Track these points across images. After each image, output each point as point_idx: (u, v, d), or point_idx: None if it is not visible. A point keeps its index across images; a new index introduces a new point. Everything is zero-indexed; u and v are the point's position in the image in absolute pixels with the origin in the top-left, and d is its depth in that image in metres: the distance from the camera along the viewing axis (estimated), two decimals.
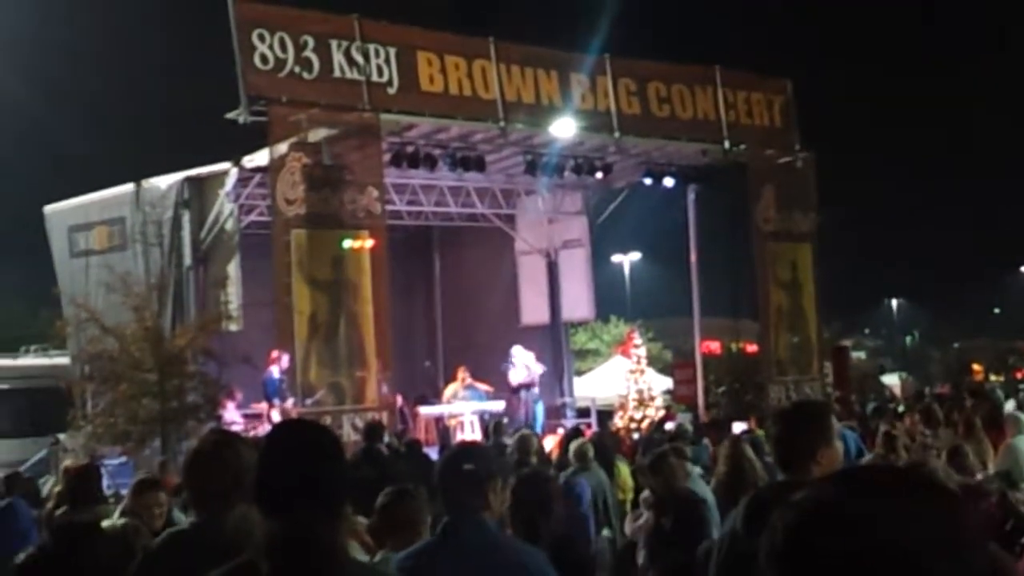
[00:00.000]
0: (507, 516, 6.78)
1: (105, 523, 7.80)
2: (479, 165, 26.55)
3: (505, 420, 25.62)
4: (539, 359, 30.16)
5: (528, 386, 29.47)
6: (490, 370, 29.57)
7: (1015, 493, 10.97)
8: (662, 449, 13.47)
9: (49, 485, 18.87)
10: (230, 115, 21.84)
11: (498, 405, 28.28)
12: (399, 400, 27.31)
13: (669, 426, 24.00)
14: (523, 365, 29.55)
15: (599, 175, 28.27)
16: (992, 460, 15.35)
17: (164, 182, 25.23)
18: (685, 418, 28.40)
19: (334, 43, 22.89)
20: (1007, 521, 9.42)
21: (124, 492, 17.14)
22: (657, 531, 10.45)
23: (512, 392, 29.18)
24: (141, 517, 8.91)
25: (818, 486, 1.81)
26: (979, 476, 11.76)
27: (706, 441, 19.41)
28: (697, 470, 13.38)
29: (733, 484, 12.09)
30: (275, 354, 23.33)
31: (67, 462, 14.79)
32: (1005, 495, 10.12)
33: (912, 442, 16.83)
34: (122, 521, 8.38)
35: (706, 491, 11.78)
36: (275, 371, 23.51)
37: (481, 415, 27.38)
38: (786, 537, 1.76)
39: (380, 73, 23.44)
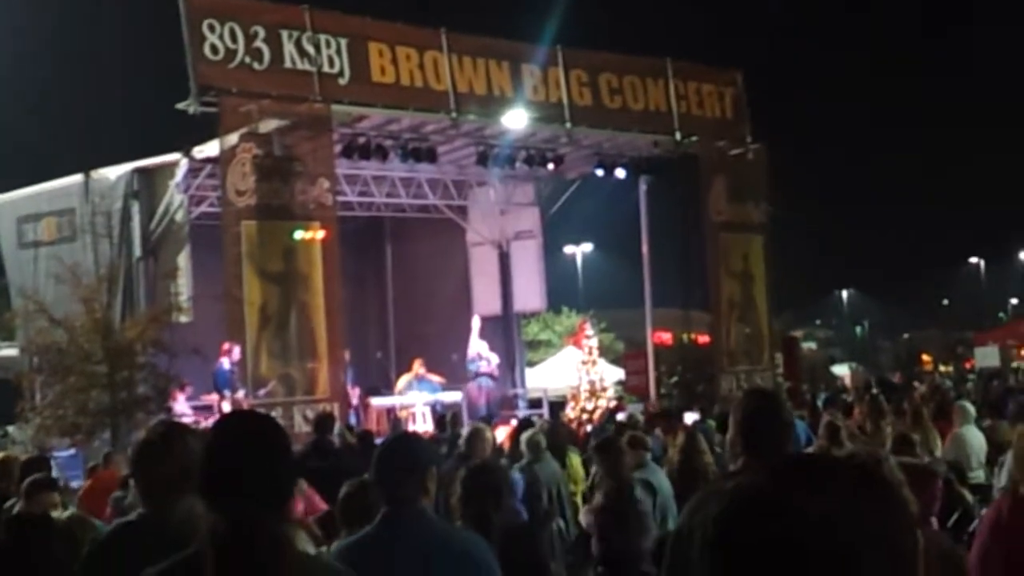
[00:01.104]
0: (458, 508, 6.79)
1: (53, 515, 7.78)
2: (430, 156, 26.53)
3: (457, 411, 25.71)
4: (491, 350, 30.22)
5: (489, 375, 29.54)
6: (442, 361, 29.58)
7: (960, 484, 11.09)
8: (610, 433, 13.54)
9: None
10: (180, 105, 21.75)
11: (453, 396, 28.28)
12: (356, 390, 27.33)
13: (620, 417, 24.04)
14: (476, 351, 29.66)
15: (551, 166, 28.35)
16: (940, 449, 15.49)
17: (113, 173, 25.05)
18: (636, 409, 28.45)
19: (285, 33, 22.83)
20: (954, 511, 9.51)
21: (74, 484, 17.05)
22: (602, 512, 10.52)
23: (473, 377, 29.26)
24: None
25: (751, 476, 1.82)
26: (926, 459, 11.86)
27: (658, 431, 19.44)
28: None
29: (685, 473, 12.20)
30: (226, 346, 23.24)
31: (1, 454, 14.59)
32: (952, 484, 10.21)
33: (863, 433, 16.93)
34: (68, 513, 8.34)
35: (662, 479, 11.84)
36: (225, 363, 23.41)
37: (433, 406, 27.39)
38: (718, 526, 1.76)
39: (331, 64, 23.41)
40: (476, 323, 30.41)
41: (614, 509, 10.44)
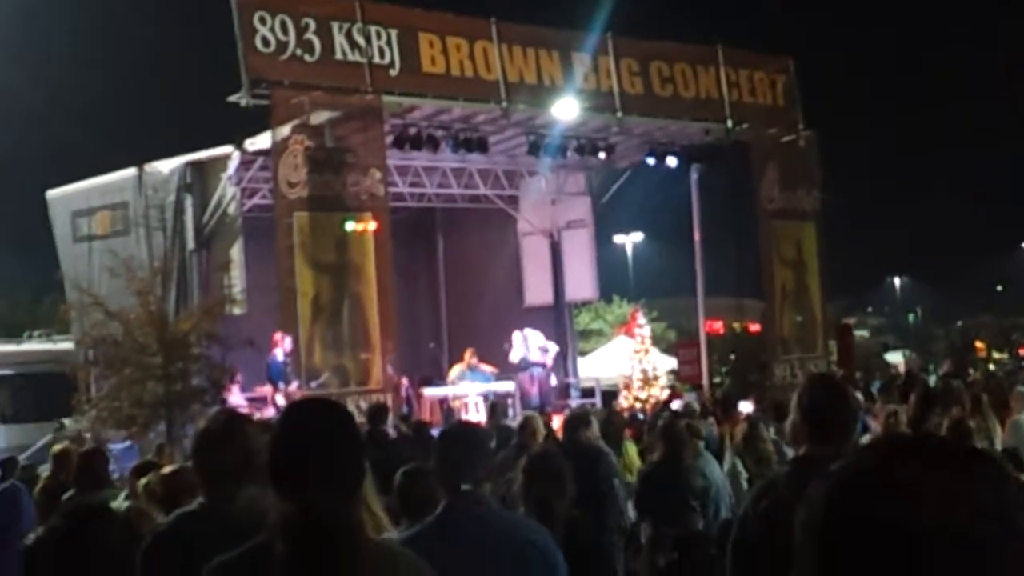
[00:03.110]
0: (519, 496, 6.77)
1: (112, 505, 7.80)
2: (481, 146, 26.50)
3: (509, 401, 25.65)
4: (546, 339, 30.20)
5: (542, 365, 29.48)
6: (494, 351, 29.52)
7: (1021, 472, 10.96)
8: (671, 418, 13.55)
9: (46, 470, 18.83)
10: (232, 98, 21.80)
11: (507, 386, 28.23)
12: (404, 382, 27.26)
13: (675, 405, 23.94)
14: (522, 345, 29.54)
15: (602, 155, 28.29)
16: (999, 437, 15.34)
17: (166, 166, 25.20)
18: (691, 397, 28.34)
19: (335, 25, 22.85)
20: None
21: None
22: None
23: (519, 370, 29.16)
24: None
25: (858, 455, 1.77)
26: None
27: (711, 420, 19.35)
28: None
29: (749, 461, 12.22)
30: (277, 336, 23.31)
31: (57, 447, 14.65)
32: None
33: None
34: (126, 504, 8.36)
35: (715, 469, 11.80)
36: (279, 354, 23.48)
37: (486, 396, 27.35)
38: (826, 506, 1.72)
39: (382, 55, 23.41)
40: (516, 337, 30.00)
41: (668, 491, 10.42)
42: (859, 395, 19.86)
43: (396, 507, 7.21)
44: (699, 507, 10.81)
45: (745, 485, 12.18)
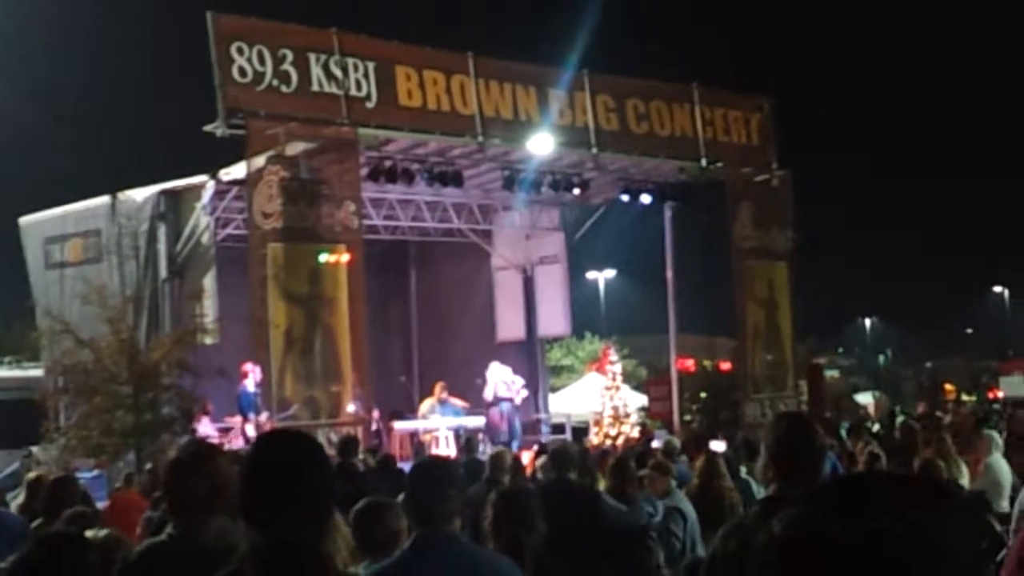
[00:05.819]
0: (490, 532, 6.75)
1: (88, 533, 7.74)
2: (456, 180, 26.51)
3: (480, 436, 25.55)
4: (515, 374, 30.08)
5: (509, 400, 29.31)
6: (465, 386, 29.45)
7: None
8: (624, 454, 13.52)
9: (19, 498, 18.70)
10: (208, 128, 21.78)
11: (476, 421, 28.15)
12: (374, 415, 27.17)
13: (656, 443, 23.87)
14: (495, 383, 29.36)
15: (576, 191, 28.28)
16: (965, 478, 15.36)
17: (140, 194, 25.14)
18: (661, 434, 28.29)
19: (313, 57, 22.86)
20: (983, 540, 9.42)
21: (98, 506, 17.00)
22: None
23: (488, 406, 29.04)
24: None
25: (792, 510, 1.76)
26: None
27: (683, 458, 19.30)
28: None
29: (704, 499, 12.17)
30: (247, 367, 23.22)
31: (31, 474, 14.55)
32: (979, 512, 10.12)
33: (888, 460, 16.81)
34: (105, 531, 8.31)
35: (688, 507, 11.78)
36: (250, 385, 23.37)
37: (456, 430, 27.25)
38: (781, 561, 1.72)
39: (358, 87, 23.42)
40: (489, 374, 29.80)
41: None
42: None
43: (356, 540, 7.18)
44: (653, 543, 10.76)
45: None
